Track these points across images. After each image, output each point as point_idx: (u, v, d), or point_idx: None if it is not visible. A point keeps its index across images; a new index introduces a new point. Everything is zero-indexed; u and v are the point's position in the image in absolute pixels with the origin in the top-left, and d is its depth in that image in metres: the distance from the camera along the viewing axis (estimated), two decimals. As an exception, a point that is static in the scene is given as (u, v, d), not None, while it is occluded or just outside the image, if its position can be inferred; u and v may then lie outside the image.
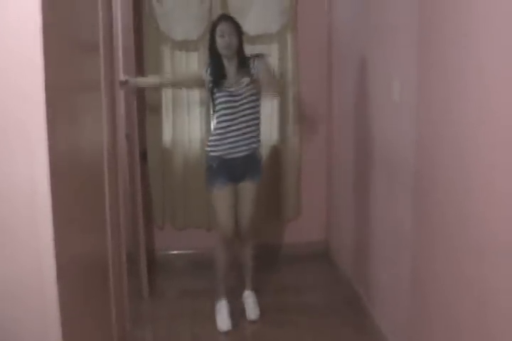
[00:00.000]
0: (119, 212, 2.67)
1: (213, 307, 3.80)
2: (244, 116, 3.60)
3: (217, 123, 3.68)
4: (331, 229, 4.85)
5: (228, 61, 3.65)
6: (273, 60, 4.55)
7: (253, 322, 3.76)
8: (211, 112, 3.97)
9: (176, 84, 4.31)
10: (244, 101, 3.59)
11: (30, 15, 1.32)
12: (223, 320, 3.68)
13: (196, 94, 4.60)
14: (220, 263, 3.77)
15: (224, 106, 3.61)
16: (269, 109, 4.59)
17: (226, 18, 3.68)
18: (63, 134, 1.59)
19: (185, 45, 4.60)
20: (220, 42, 3.56)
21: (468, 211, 2.16)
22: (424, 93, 2.63)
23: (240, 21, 3.72)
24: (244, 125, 3.61)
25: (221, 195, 3.65)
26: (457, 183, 2.25)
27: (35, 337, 1.40)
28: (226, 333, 3.61)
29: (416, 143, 2.74)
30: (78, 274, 1.75)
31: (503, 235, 1.90)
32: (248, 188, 3.71)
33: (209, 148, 3.68)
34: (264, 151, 4.44)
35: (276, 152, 4.78)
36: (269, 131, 4.64)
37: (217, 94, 3.63)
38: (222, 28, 3.56)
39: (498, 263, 1.94)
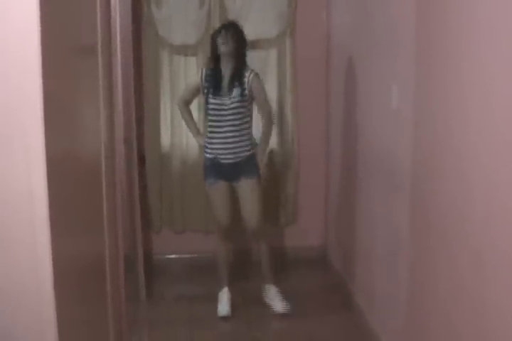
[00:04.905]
0: (116, 215, 2.67)
1: (210, 310, 3.83)
2: (230, 126, 3.73)
3: (209, 127, 3.84)
4: (329, 234, 4.85)
5: (225, 65, 3.74)
6: (271, 68, 4.62)
7: (283, 315, 3.82)
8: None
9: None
10: (230, 112, 3.71)
11: (28, 19, 1.33)
12: (223, 306, 3.86)
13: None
14: (221, 253, 3.98)
15: (212, 112, 3.77)
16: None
17: (231, 23, 3.87)
18: (61, 137, 1.60)
19: (183, 50, 4.61)
20: (219, 39, 3.71)
21: (467, 218, 2.15)
22: (422, 100, 2.64)
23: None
24: (229, 134, 3.74)
25: (213, 190, 3.86)
26: (456, 190, 2.25)
27: (32, 338, 1.41)
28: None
29: (414, 150, 2.74)
30: (75, 277, 1.76)
31: (503, 242, 1.89)
32: (245, 187, 3.80)
33: (205, 148, 3.86)
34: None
35: (274, 157, 4.78)
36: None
37: (209, 100, 3.77)
38: (224, 28, 3.77)
39: (498, 271, 1.93)
